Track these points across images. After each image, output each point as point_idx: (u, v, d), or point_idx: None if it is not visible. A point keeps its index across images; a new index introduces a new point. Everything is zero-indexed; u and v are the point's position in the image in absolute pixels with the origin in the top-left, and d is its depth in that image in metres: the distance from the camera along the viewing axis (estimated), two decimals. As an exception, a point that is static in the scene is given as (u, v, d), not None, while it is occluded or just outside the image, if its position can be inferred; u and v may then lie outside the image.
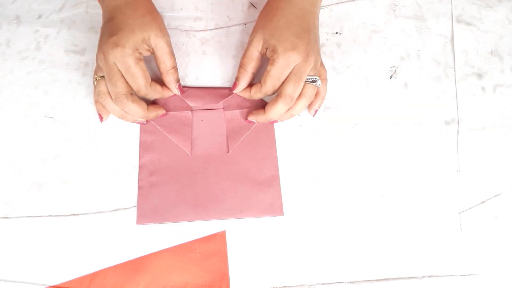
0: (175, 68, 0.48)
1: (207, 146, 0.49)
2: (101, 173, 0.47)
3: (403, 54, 0.55)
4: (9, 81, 0.51)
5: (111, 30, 0.45)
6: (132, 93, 0.45)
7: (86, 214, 0.46)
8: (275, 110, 0.46)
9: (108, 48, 0.43)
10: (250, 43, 0.47)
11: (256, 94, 0.48)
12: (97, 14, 0.54)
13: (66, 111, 0.50)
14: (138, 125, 0.49)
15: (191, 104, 0.50)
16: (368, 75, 0.54)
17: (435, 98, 0.53)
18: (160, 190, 0.47)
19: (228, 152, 0.48)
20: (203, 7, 0.56)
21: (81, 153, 0.48)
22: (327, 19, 0.56)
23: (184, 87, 0.51)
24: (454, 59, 0.55)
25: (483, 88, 0.54)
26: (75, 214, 0.46)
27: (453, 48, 0.56)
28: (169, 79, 0.48)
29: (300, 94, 0.46)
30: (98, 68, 0.46)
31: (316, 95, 0.48)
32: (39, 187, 0.46)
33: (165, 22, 0.52)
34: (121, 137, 0.49)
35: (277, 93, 0.46)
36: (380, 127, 0.51)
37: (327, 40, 0.55)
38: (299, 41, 0.45)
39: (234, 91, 0.49)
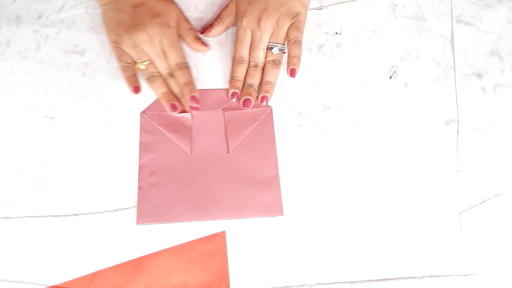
0: (193, 29, 0.53)
1: (207, 146, 0.49)
2: (101, 173, 0.47)
3: (403, 54, 0.55)
4: (9, 81, 0.51)
5: (149, 13, 0.49)
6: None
7: (86, 214, 0.46)
8: (249, 74, 0.50)
9: (156, 28, 0.48)
10: (230, 1, 0.53)
11: (233, 67, 0.51)
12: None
13: (66, 111, 0.50)
14: (138, 125, 0.49)
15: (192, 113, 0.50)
16: (368, 75, 0.54)
17: (435, 98, 0.53)
18: (160, 190, 0.47)
19: (228, 152, 0.48)
20: (203, 7, 0.56)
21: (81, 153, 0.48)
22: (327, 19, 0.56)
23: None
24: (454, 59, 0.55)
25: (483, 88, 0.54)
26: (75, 214, 0.46)
27: (453, 48, 0.56)
28: (190, 38, 0.52)
29: (264, 61, 0.50)
30: (137, 53, 0.48)
31: (288, 54, 0.50)
32: (39, 187, 0.46)
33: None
34: (121, 137, 0.49)
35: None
36: (380, 127, 0.51)
37: (327, 40, 0.55)
38: (251, 7, 0.49)
39: (204, 34, 0.53)
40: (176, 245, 0.45)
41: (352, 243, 0.46)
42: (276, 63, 0.50)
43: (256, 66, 0.50)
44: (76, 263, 0.44)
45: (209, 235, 0.46)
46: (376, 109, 0.52)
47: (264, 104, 0.50)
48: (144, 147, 0.48)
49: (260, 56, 0.50)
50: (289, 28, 0.50)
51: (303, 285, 0.45)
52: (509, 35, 0.57)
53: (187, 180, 0.47)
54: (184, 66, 0.50)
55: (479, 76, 0.55)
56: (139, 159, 0.48)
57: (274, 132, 0.50)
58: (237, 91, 0.50)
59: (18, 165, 0.47)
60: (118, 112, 0.50)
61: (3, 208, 0.45)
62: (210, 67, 0.53)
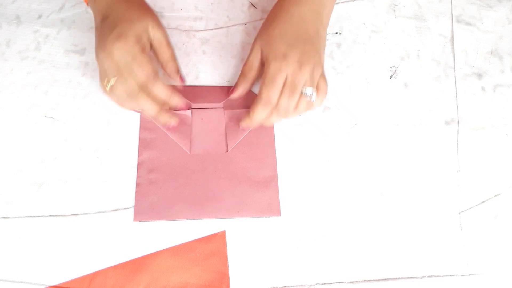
0: (173, 58, 0.48)
1: (206, 144, 0.49)
2: (101, 173, 0.47)
3: (403, 54, 0.55)
4: (9, 81, 0.51)
5: (109, 26, 0.44)
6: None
7: (86, 214, 0.46)
8: (271, 120, 0.46)
9: (112, 42, 0.42)
10: (250, 51, 0.48)
11: (257, 108, 0.46)
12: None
13: (66, 111, 0.50)
14: (138, 125, 0.49)
15: (192, 102, 0.50)
16: (368, 75, 0.54)
17: (435, 98, 0.53)
18: (158, 187, 0.47)
19: (227, 151, 0.48)
20: (203, 7, 0.56)
21: (80, 153, 0.48)
22: (327, 19, 0.56)
23: (185, 86, 0.51)
24: (454, 59, 0.55)
25: (483, 88, 0.54)
26: (75, 214, 0.46)
27: (453, 48, 0.56)
28: (169, 69, 0.48)
29: (295, 106, 0.45)
30: (108, 71, 0.43)
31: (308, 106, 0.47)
32: (39, 187, 0.46)
33: (165, 22, 0.52)
34: (120, 137, 0.49)
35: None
36: (380, 127, 0.51)
37: (327, 40, 0.55)
38: (291, 50, 0.44)
39: (231, 97, 0.49)
40: (176, 245, 0.45)
41: (352, 243, 0.46)
42: (307, 109, 0.46)
43: (285, 115, 0.45)
44: (76, 263, 0.44)
45: (209, 235, 0.46)
46: (376, 109, 0.52)
47: None
48: (144, 144, 0.48)
49: (295, 101, 0.44)
50: (319, 77, 0.46)
51: (303, 285, 0.45)
52: (509, 35, 0.57)
53: (186, 178, 0.47)
54: (154, 79, 0.43)
55: (479, 76, 0.55)
56: (138, 156, 0.48)
57: (273, 132, 0.50)
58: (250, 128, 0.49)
59: (18, 165, 0.47)
60: (118, 112, 0.50)
61: (3, 208, 0.45)
62: (210, 67, 0.53)
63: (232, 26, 0.55)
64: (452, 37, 0.56)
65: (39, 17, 0.54)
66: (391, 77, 0.54)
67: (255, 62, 0.47)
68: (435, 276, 0.46)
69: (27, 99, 0.50)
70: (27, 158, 0.47)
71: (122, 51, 0.42)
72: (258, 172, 0.48)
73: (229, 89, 0.51)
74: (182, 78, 0.50)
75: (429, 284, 0.45)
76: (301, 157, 0.49)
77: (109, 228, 0.45)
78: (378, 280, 0.45)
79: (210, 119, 0.50)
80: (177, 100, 0.46)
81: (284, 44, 0.45)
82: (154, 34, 0.46)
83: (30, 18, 0.53)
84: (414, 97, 0.53)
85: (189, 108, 0.50)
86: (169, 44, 0.48)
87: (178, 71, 0.49)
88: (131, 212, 0.46)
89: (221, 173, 0.48)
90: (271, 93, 0.44)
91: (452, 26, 0.57)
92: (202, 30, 0.55)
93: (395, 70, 0.54)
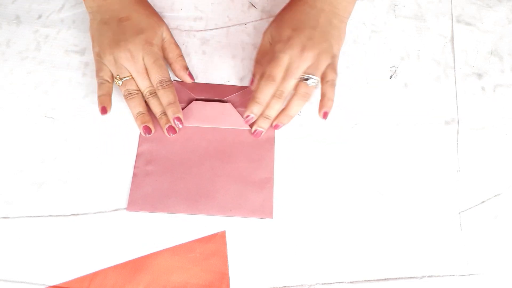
0: (181, 56, 0.51)
1: (206, 139, 0.49)
2: (101, 173, 0.47)
3: (403, 54, 0.55)
4: (9, 81, 0.51)
5: (133, 28, 0.47)
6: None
7: (86, 214, 0.46)
8: (270, 105, 0.47)
9: (138, 46, 0.46)
10: (263, 38, 0.50)
11: (260, 85, 0.46)
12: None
13: (66, 111, 0.50)
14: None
15: (195, 98, 0.50)
16: (368, 75, 0.54)
17: (435, 98, 0.53)
18: (154, 179, 0.47)
19: (226, 148, 0.48)
20: (203, 7, 0.56)
21: (80, 153, 0.48)
22: (327, 19, 0.56)
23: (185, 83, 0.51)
24: (454, 59, 0.55)
25: (483, 88, 0.54)
26: (75, 214, 0.46)
27: (453, 48, 0.56)
28: (178, 66, 0.50)
29: (295, 92, 0.46)
30: (117, 69, 0.47)
31: (323, 96, 0.47)
32: (39, 187, 0.46)
33: (165, 22, 0.52)
34: (120, 137, 0.49)
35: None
36: (380, 127, 0.51)
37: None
38: (295, 35, 0.45)
39: (252, 87, 0.50)
40: (176, 245, 0.45)
41: (352, 243, 0.46)
42: (306, 96, 0.46)
43: (280, 95, 0.46)
44: (76, 263, 0.44)
45: (209, 235, 0.46)
46: (376, 109, 0.52)
47: (274, 127, 0.49)
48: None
49: (290, 85, 0.45)
50: (327, 67, 0.46)
51: (303, 285, 0.45)
52: (509, 35, 0.57)
53: (182, 172, 0.47)
54: (167, 85, 0.47)
55: (479, 76, 0.55)
56: (138, 147, 0.48)
57: (274, 133, 0.50)
58: (254, 116, 0.47)
59: (18, 165, 0.47)
60: (118, 112, 0.50)
61: (3, 208, 0.45)
62: (210, 67, 0.53)
63: (232, 26, 0.55)
64: (452, 37, 0.56)
65: (39, 17, 0.54)
66: (391, 77, 0.54)
67: (266, 49, 0.49)
68: (435, 276, 0.46)
69: (27, 99, 0.50)
70: (27, 158, 0.47)
71: (148, 56, 0.46)
72: (254, 173, 0.48)
73: (230, 88, 0.51)
74: (190, 75, 0.51)
75: (429, 284, 0.45)
76: (301, 157, 0.49)
77: (109, 228, 0.45)
78: (378, 280, 0.45)
79: (212, 113, 0.50)
80: (177, 110, 0.47)
81: (290, 28, 0.46)
82: (166, 35, 0.50)
83: (30, 18, 0.53)
84: (414, 97, 0.53)
85: (193, 99, 0.50)
86: (176, 44, 0.51)
87: (186, 68, 0.51)
88: (131, 212, 0.46)
89: (217, 170, 0.48)
90: (274, 69, 0.45)
91: (452, 26, 0.57)
92: (202, 30, 0.55)
93: (395, 70, 0.54)
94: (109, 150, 0.48)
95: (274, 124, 0.48)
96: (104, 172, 0.47)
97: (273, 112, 0.47)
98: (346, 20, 0.49)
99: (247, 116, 0.47)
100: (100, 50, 0.47)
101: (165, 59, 0.50)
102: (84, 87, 0.51)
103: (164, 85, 0.47)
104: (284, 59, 0.45)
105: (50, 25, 0.53)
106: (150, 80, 0.47)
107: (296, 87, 0.46)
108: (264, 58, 0.48)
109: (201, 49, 0.54)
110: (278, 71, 0.45)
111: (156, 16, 0.50)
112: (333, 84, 0.47)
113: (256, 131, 0.49)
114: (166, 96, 0.47)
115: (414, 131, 0.51)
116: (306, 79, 0.45)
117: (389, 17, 0.57)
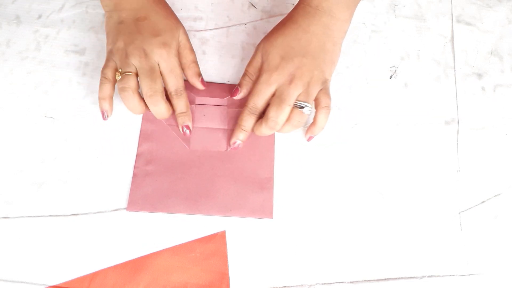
0: (196, 62, 0.50)
1: (205, 141, 0.49)
2: (101, 173, 0.47)
3: (403, 54, 0.55)
4: (9, 81, 0.51)
5: (150, 29, 0.46)
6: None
7: (86, 214, 0.46)
8: (261, 131, 0.47)
9: (154, 47, 0.45)
10: (254, 53, 0.49)
11: (244, 114, 0.47)
12: (97, 14, 0.54)
13: (66, 111, 0.50)
14: (138, 125, 0.49)
15: (196, 97, 0.50)
16: (368, 75, 0.54)
17: (435, 98, 0.53)
18: (154, 179, 0.47)
19: (226, 150, 0.49)
20: (203, 7, 0.56)
21: (80, 153, 0.48)
22: (327, 19, 0.56)
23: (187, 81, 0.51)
24: (454, 59, 0.55)
25: (483, 88, 0.54)
26: (75, 214, 0.46)
27: (453, 48, 0.56)
28: (191, 71, 0.49)
29: (287, 118, 0.45)
30: (124, 64, 0.45)
31: (315, 121, 0.47)
32: (39, 187, 0.46)
33: (182, 24, 0.52)
34: (120, 137, 0.49)
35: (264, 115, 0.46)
36: (380, 127, 0.51)
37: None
38: (285, 64, 0.45)
39: (235, 97, 0.50)
40: (176, 245, 0.45)
41: (352, 243, 0.46)
42: (299, 125, 0.46)
43: (275, 124, 0.45)
44: (76, 263, 0.44)
45: (209, 235, 0.46)
46: (376, 109, 0.52)
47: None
48: (144, 136, 0.48)
49: (285, 113, 0.45)
50: (319, 92, 0.46)
51: (303, 285, 0.45)
52: (509, 35, 0.57)
53: (182, 172, 0.47)
54: (181, 94, 0.47)
55: (479, 76, 0.55)
56: (138, 147, 0.48)
57: (274, 135, 0.50)
58: (240, 142, 0.47)
59: (18, 165, 0.47)
60: (118, 112, 0.50)
61: (3, 208, 0.45)
62: (210, 67, 0.53)
63: (232, 26, 0.55)
64: (452, 37, 0.56)
65: (39, 17, 0.54)
66: (391, 77, 0.54)
67: (257, 64, 0.48)
68: (435, 276, 0.46)
69: (27, 99, 0.50)
70: (27, 158, 0.47)
71: (163, 59, 0.45)
72: (255, 173, 0.48)
73: (231, 87, 0.51)
74: (203, 82, 0.50)
75: (429, 284, 0.45)
76: (301, 157, 0.49)
77: (109, 228, 0.45)
78: (378, 280, 0.45)
79: (213, 116, 0.50)
80: (187, 119, 0.48)
81: (279, 56, 0.46)
82: (182, 39, 0.49)
83: (30, 18, 0.53)
84: (414, 97, 0.53)
85: (193, 102, 0.50)
86: (192, 48, 0.50)
87: (199, 74, 0.50)
88: (131, 212, 0.46)
89: (217, 170, 0.48)
90: (255, 101, 0.46)
91: (452, 26, 0.57)
92: (202, 30, 0.55)
93: (395, 70, 0.54)
94: (109, 150, 0.48)
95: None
96: (104, 172, 0.47)
97: (264, 134, 0.47)
98: (340, 41, 0.48)
99: (234, 143, 0.48)
100: (114, 46, 0.46)
101: (179, 63, 0.48)
102: (84, 87, 0.51)
103: (179, 94, 0.47)
104: (268, 90, 0.45)
105: (50, 25, 0.53)
106: (156, 82, 0.45)
107: (290, 115, 0.45)
108: (253, 74, 0.48)
109: (201, 49, 0.54)
110: (260, 101, 0.46)
111: (174, 17, 0.49)
112: (327, 112, 0.47)
113: (236, 143, 0.48)
114: (179, 105, 0.47)
115: (414, 131, 0.51)
116: (302, 107, 0.45)
117: (389, 17, 0.57)
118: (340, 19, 0.46)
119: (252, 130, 0.47)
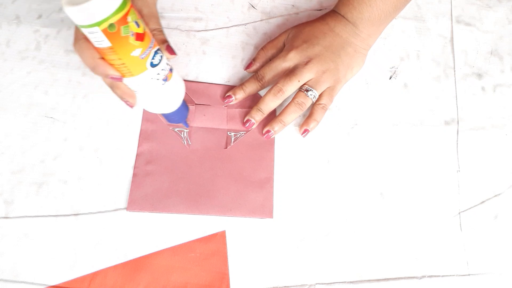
0: (159, 29, 0.43)
1: (205, 141, 0.49)
2: (101, 173, 0.47)
3: (402, 55, 0.55)
4: (9, 81, 0.51)
5: None
6: None
7: (86, 214, 0.46)
8: (266, 98, 0.47)
9: None
10: (280, 34, 0.51)
11: (267, 96, 0.48)
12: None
13: (66, 111, 0.50)
14: (138, 125, 0.49)
15: (196, 101, 0.50)
16: (368, 75, 0.54)
17: (435, 98, 0.53)
18: (154, 179, 0.47)
19: (226, 148, 0.49)
20: (203, 8, 0.56)
21: (80, 153, 0.48)
22: (327, 19, 0.56)
23: (188, 82, 0.51)
24: (454, 59, 0.55)
25: (483, 88, 0.54)
26: (75, 214, 0.46)
27: (452, 48, 0.56)
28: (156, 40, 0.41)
29: (291, 100, 0.47)
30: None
31: (310, 115, 0.48)
32: (39, 187, 0.46)
33: (165, 23, 0.52)
34: (121, 136, 0.49)
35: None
36: (380, 128, 0.51)
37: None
38: (307, 47, 0.47)
39: (249, 70, 0.51)
40: (176, 245, 0.45)
41: (353, 243, 0.46)
42: (302, 106, 0.47)
43: (279, 91, 0.46)
44: (76, 263, 0.44)
45: (209, 235, 0.46)
46: (376, 109, 0.52)
47: (264, 137, 0.49)
48: (144, 136, 0.48)
49: (292, 87, 0.46)
50: (326, 89, 0.48)
51: (303, 285, 0.45)
52: (509, 35, 0.57)
53: (182, 172, 0.47)
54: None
55: (479, 76, 0.55)
56: (138, 147, 0.48)
57: (274, 136, 0.50)
58: (254, 122, 0.48)
59: (18, 165, 0.47)
60: (118, 112, 0.50)
61: (3, 208, 0.45)
62: (210, 67, 0.53)
63: (232, 26, 0.55)
64: (452, 37, 0.56)
65: (39, 17, 0.54)
66: (391, 78, 0.54)
67: (278, 44, 0.51)
68: (435, 276, 0.46)
69: (27, 99, 0.50)
70: (27, 158, 0.47)
71: None
72: (255, 173, 0.48)
73: (230, 88, 0.51)
74: (170, 50, 0.43)
75: (429, 284, 0.45)
76: (301, 157, 0.49)
77: (109, 228, 0.45)
78: (378, 280, 0.45)
79: (213, 116, 0.50)
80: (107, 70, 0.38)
81: (302, 40, 0.48)
82: (149, 21, 0.43)
83: (30, 18, 0.53)
84: (414, 97, 0.53)
85: (193, 103, 0.50)
86: (154, 16, 0.44)
87: (164, 41, 0.43)
88: (131, 212, 0.46)
89: (217, 170, 0.48)
90: (265, 70, 0.48)
91: (452, 26, 0.57)
92: (202, 31, 0.55)
93: (395, 71, 0.54)
94: (109, 150, 0.48)
95: (265, 130, 0.48)
96: (104, 172, 0.47)
97: (267, 108, 0.48)
98: (362, 51, 0.49)
99: (248, 121, 0.48)
100: None
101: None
102: (84, 87, 0.51)
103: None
104: (282, 65, 0.47)
105: (50, 25, 0.53)
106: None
107: (294, 96, 0.47)
108: (270, 50, 0.51)
109: (201, 49, 0.54)
110: (270, 73, 0.48)
111: None
112: (324, 108, 0.48)
113: (249, 122, 0.48)
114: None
115: (414, 131, 0.51)
116: (307, 90, 0.47)
117: (389, 17, 0.57)
118: (362, 32, 0.48)
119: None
